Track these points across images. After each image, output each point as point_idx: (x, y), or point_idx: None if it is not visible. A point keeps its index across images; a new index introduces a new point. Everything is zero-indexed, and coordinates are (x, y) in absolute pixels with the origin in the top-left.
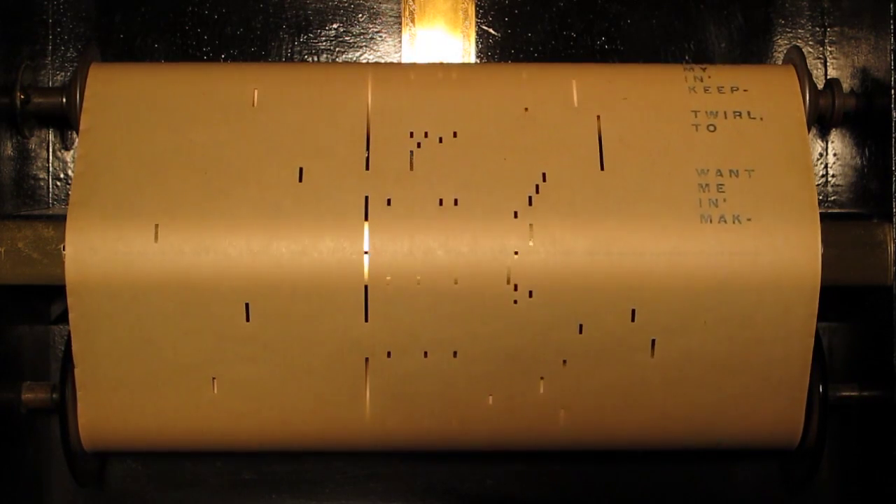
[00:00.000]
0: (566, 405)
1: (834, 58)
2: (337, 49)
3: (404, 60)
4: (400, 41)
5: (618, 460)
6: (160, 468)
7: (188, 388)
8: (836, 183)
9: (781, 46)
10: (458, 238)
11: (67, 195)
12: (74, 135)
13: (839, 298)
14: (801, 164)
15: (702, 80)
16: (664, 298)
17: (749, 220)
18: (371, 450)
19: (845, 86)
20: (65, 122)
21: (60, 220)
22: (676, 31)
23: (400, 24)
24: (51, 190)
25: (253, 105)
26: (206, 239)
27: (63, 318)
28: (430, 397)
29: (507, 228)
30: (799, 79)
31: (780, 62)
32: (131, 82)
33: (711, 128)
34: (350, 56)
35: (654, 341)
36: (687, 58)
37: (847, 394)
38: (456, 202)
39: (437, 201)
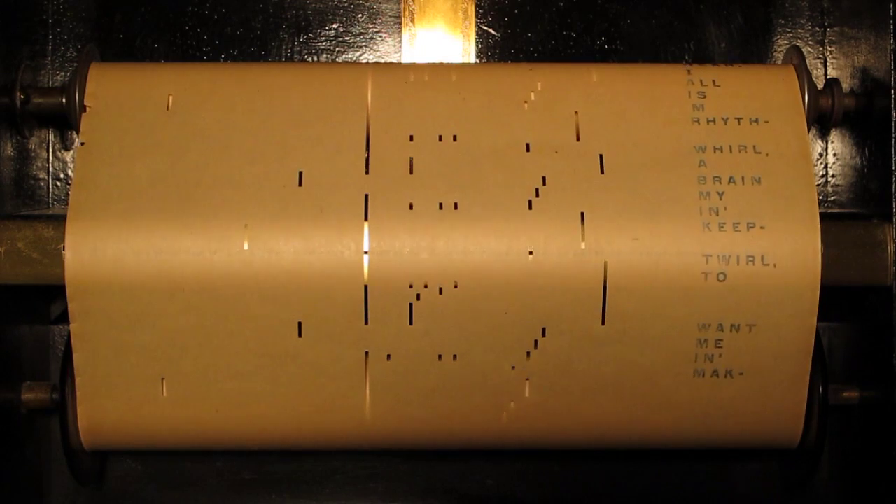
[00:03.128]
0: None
1: (834, 58)
2: (337, 49)
3: (404, 60)
4: (400, 41)
5: (618, 460)
6: (160, 468)
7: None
8: (836, 183)
9: (781, 46)
10: (455, 390)
11: (67, 195)
12: (74, 135)
13: (839, 298)
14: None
15: (717, 213)
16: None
17: (741, 374)
18: (371, 449)
19: (845, 86)
20: (65, 122)
21: (60, 220)
22: (676, 31)
23: (400, 24)
24: (51, 190)
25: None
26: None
27: (63, 318)
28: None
29: (504, 381)
30: (799, 79)
31: (780, 62)
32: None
33: (721, 276)
34: (350, 56)
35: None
36: (687, 57)
37: (847, 394)
38: (455, 357)
39: (437, 356)
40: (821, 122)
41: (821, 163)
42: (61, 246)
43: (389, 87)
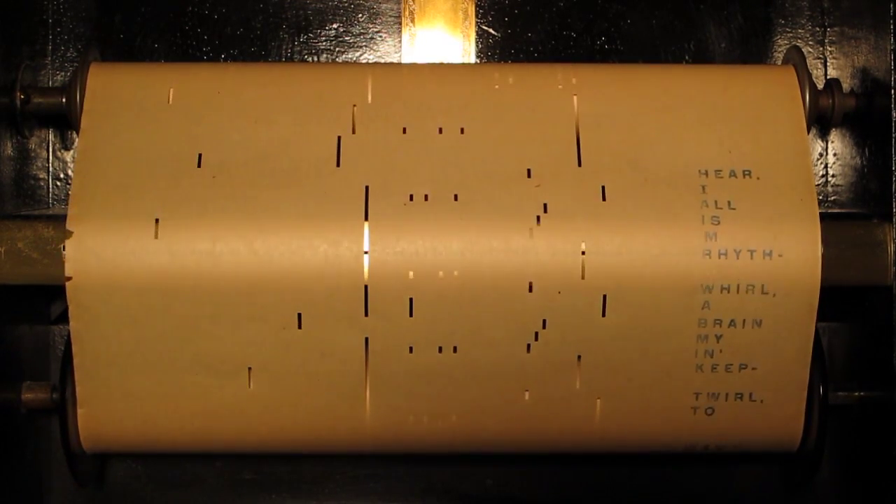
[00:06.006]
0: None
1: (834, 58)
2: (337, 49)
3: (404, 60)
4: (400, 41)
5: (617, 461)
6: (160, 468)
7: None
8: (836, 183)
9: (781, 46)
10: None
11: (67, 195)
12: (74, 135)
13: (839, 298)
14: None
15: (712, 356)
16: None
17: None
18: (371, 452)
19: (845, 86)
20: (65, 122)
21: (60, 220)
22: (676, 31)
23: (400, 24)
24: (51, 190)
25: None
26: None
27: (63, 318)
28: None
29: None
30: (799, 79)
31: (780, 62)
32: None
33: (710, 411)
34: (350, 56)
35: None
36: (687, 57)
37: (847, 394)
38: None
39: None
40: (821, 122)
41: (821, 163)
42: (61, 246)
43: (387, 213)
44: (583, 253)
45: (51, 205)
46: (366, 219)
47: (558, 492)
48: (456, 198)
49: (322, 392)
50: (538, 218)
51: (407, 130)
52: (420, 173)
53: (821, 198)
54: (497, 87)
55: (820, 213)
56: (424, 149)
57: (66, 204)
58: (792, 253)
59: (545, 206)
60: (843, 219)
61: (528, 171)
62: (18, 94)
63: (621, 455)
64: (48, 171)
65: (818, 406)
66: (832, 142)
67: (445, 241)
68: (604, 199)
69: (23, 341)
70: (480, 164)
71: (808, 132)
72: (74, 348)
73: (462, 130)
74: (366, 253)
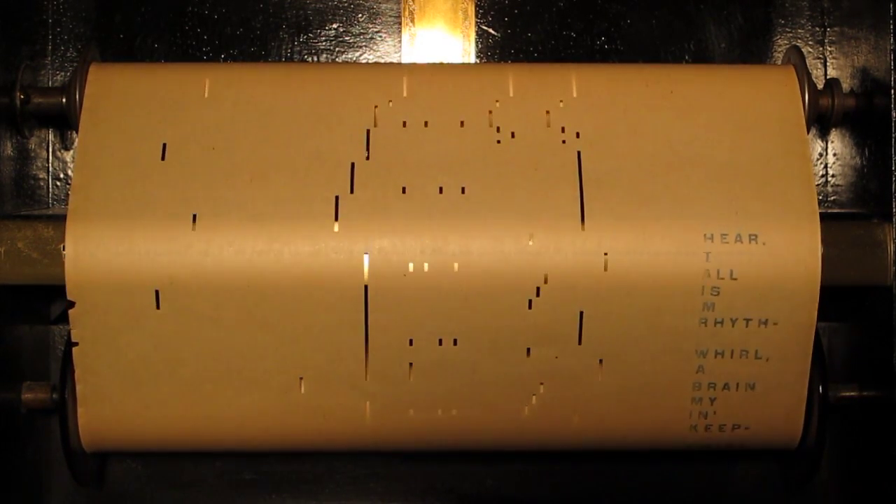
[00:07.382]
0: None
1: (834, 58)
2: (337, 49)
3: (404, 60)
4: (400, 41)
5: (618, 460)
6: (160, 468)
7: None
8: (836, 183)
9: (781, 46)
10: None
11: (67, 195)
12: (74, 135)
13: (839, 298)
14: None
15: (706, 417)
16: None
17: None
18: (371, 450)
19: (845, 86)
20: (65, 122)
21: (60, 220)
22: (676, 31)
23: (400, 24)
24: (51, 190)
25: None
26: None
27: (63, 318)
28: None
29: None
30: (799, 79)
31: (780, 62)
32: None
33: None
34: (350, 56)
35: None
36: (687, 57)
37: (847, 394)
38: None
39: None
40: (821, 122)
41: (821, 163)
42: (61, 246)
43: (387, 281)
44: (581, 321)
45: (51, 205)
46: (365, 286)
47: (558, 492)
48: (456, 266)
49: (324, 445)
50: (538, 289)
51: (406, 190)
52: (421, 237)
53: (821, 198)
54: (498, 141)
55: (820, 213)
56: (425, 210)
57: (66, 204)
58: (788, 321)
59: (546, 277)
60: (843, 219)
61: (531, 235)
62: (18, 94)
63: (621, 454)
64: (48, 171)
65: (818, 405)
66: (832, 142)
67: (445, 309)
68: (605, 269)
69: (23, 341)
70: (482, 228)
71: (808, 132)
72: (74, 348)
73: (463, 190)
74: (366, 319)
